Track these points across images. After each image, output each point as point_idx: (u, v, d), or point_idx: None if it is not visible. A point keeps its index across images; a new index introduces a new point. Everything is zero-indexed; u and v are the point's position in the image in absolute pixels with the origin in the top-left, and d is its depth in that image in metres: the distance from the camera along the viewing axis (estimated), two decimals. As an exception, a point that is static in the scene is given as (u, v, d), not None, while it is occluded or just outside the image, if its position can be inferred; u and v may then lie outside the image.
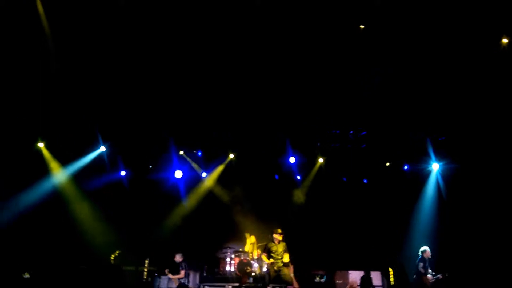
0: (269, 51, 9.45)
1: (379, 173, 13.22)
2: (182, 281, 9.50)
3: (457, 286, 9.39)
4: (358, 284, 10.93)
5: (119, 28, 8.80)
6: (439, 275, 9.12)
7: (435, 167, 12.09)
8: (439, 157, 11.91)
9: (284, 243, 8.42)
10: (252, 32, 9.02)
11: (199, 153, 13.12)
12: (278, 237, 8.39)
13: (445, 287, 9.13)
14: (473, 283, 9.71)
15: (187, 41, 9.30)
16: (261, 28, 8.94)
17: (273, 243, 8.41)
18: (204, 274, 10.73)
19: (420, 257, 9.30)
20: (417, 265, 9.27)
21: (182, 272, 9.48)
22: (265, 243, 11.37)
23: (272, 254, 8.34)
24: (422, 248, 9.37)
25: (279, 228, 8.60)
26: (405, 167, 12.87)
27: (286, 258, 8.22)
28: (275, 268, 8.25)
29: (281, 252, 8.27)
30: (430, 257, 9.28)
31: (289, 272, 8.37)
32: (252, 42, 9.23)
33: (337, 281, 11.15)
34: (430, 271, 9.27)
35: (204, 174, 13.47)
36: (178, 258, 9.66)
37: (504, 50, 8.85)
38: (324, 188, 13.44)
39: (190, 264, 10.02)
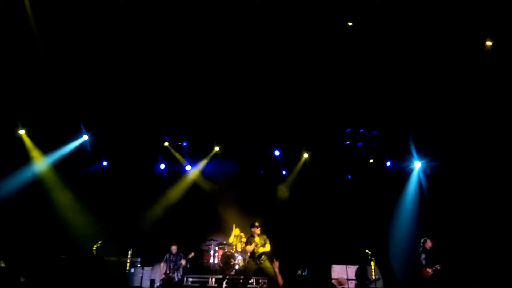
0: (263, 48, 9.54)
1: (363, 169, 13.39)
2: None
3: (454, 277, 9.15)
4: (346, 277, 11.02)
5: (108, 17, 8.74)
6: (436, 266, 8.84)
7: (417, 165, 12.32)
8: (422, 155, 12.14)
9: (264, 236, 8.48)
10: (252, 29, 9.11)
11: (184, 144, 13.01)
12: (256, 230, 8.44)
13: (444, 278, 8.86)
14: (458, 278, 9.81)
15: (175, 32, 9.28)
16: (260, 25, 9.05)
17: (252, 237, 8.45)
18: (188, 266, 10.66)
19: (421, 248, 9.12)
20: (419, 256, 9.05)
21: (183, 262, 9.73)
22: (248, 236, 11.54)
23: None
24: (422, 239, 9.20)
25: (257, 221, 8.64)
26: (388, 164, 13.05)
27: (267, 247, 8.28)
28: (256, 261, 8.28)
29: (260, 244, 8.32)
30: (431, 247, 9.07)
31: (271, 266, 8.39)
32: (251, 38, 9.33)
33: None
34: None
35: (188, 167, 13.40)
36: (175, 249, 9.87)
37: (488, 51, 9.11)
38: (309, 183, 13.53)
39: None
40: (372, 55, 9.62)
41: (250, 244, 8.32)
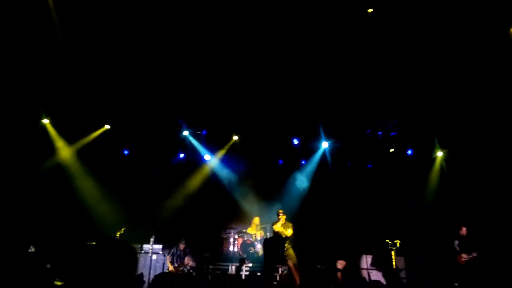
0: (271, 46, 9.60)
1: (383, 159, 13.23)
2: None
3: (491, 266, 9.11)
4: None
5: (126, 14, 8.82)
6: (473, 254, 8.87)
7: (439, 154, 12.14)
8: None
9: (289, 223, 8.58)
10: (255, 29, 9.21)
11: (204, 132, 13.06)
12: (279, 217, 8.56)
13: (479, 266, 8.91)
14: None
15: (194, 28, 9.31)
16: (262, 26, 9.10)
17: (275, 223, 8.59)
18: (207, 255, 10.73)
19: (455, 234, 9.16)
20: (452, 242, 9.10)
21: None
22: (267, 224, 11.63)
23: (275, 234, 8.71)
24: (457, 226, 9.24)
25: (281, 209, 8.91)
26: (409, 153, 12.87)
27: (289, 232, 8.37)
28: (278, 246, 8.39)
29: (282, 231, 8.41)
30: (465, 234, 9.08)
31: (294, 254, 8.47)
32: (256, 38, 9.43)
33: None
34: None
35: (207, 157, 13.48)
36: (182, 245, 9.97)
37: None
38: (329, 173, 13.45)
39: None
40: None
41: (276, 224, 8.53)
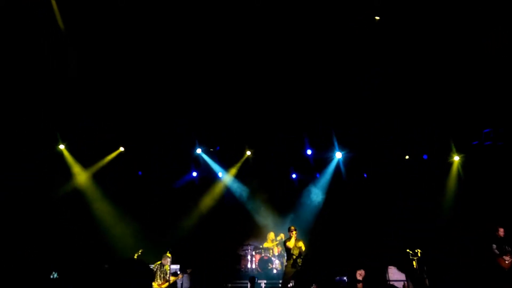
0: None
1: (399, 166, 13.04)
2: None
3: None
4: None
5: (132, 31, 8.99)
6: None
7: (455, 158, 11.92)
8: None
9: (300, 240, 8.62)
10: (257, 34, 9.20)
11: (217, 148, 13.09)
12: (291, 234, 8.58)
13: None
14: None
15: (202, 37, 9.41)
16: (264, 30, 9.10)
17: (288, 240, 8.52)
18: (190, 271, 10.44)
19: (490, 238, 8.69)
20: (489, 247, 8.61)
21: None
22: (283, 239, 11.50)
23: (287, 250, 8.62)
24: (492, 228, 8.76)
25: (292, 226, 8.78)
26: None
27: (302, 247, 8.42)
28: (291, 262, 8.34)
29: (294, 247, 8.43)
30: (502, 236, 8.59)
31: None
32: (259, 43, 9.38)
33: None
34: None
35: (221, 173, 13.52)
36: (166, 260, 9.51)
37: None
38: (343, 184, 13.32)
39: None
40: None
41: (287, 252, 8.39)
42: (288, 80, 10.35)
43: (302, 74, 10.22)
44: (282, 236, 11.81)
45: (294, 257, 8.40)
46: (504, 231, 8.67)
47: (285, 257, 11.17)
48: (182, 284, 10.08)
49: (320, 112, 11.43)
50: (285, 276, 8.65)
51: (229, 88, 10.63)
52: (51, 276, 8.53)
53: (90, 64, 9.69)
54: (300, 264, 8.33)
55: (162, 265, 9.46)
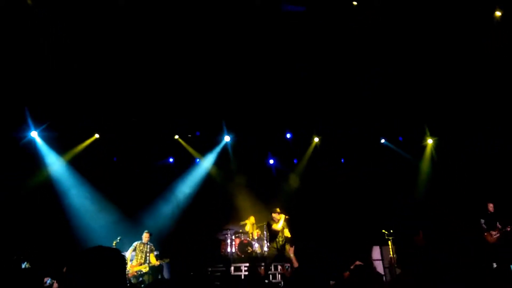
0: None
1: (374, 151, 13.30)
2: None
3: None
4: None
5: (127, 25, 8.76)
6: (507, 227, 8.38)
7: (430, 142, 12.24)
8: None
9: (284, 222, 8.52)
10: (253, 29, 9.16)
11: (197, 133, 12.97)
12: (276, 216, 8.47)
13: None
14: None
15: (187, 30, 9.25)
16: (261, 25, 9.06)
17: (273, 221, 8.50)
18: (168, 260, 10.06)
19: (481, 212, 8.79)
20: (477, 222, 8.69)
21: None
22: (264, 224, 11.58)
23: (273, 233, 8.50)
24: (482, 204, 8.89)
25: (278, 207, 8.68)
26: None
27: (287, 233, 8.36)
28: (277, 246, 8.37)
29: (281, 229, 8.37)
30: (492, 211, 8.69)
31: (289, 251, 8.50)
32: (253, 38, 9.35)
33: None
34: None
35: (199, 159, 13.45)
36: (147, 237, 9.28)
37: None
38: (320, 170, 13.48)
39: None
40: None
41: (271, 233, 8.41)
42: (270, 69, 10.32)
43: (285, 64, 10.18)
44: (252, 219, 11.88)
45: (281, 240, 8.35)
46: (494, 207, 8.80)
47: (265, 240, 11.37)
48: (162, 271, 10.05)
49: (301, 100, 11.46)
50: (267, 259, 8.73)
51: (211, 73, 10.49)
52: (23, 266, 8.32)
53: (64, 48, 9.37)
54: (288, 250, 8.30)
55: (142, 243, 9.25)
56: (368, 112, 12.00)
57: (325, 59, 10.11)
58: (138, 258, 9.07)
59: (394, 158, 12.90)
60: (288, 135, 13.14)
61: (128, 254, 9.09)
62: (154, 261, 9.15)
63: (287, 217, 8.51)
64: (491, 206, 8.79)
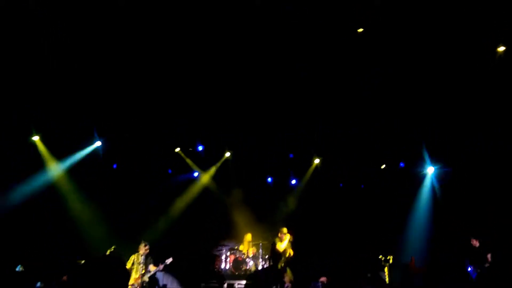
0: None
1: (374, 175, 13.32)
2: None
3: None
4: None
5: (117, 24, 8.82)
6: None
7: (430, 170, 12.26)
8: (434, 160, 12.08)
9: (288, 243, 8.48)
10: (252, 33, 9.12)
11: (202, 148, 12.94)
12: (283, 236, 8.46)
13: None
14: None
15: (186, 40, 9.35)
16: (260, 29, 9.04)
17: (278, 240, 8.46)
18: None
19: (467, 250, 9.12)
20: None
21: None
22: (260, 242, 11.52)
23: (275, 253, 8.47)
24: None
25: (285, 227, 8.67)
26: (401, 166, 12.96)
27: (291, 252, 8.37)
28: (279, 266, 8.33)
29: (283, 250, 8.35)
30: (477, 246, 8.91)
31: (291, 274, 8.44)
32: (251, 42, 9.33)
33: None
34: None
35: (197, 173, 13.45)
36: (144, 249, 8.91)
37: (500, 56, 9.05)
38: (320, 192, 13.49)
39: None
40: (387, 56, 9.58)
41: (274, 253, 8.33)
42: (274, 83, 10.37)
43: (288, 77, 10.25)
44: (249, 236, 11.80)
45: (282, 262, 8.28)
46: (479, 241, 8.90)
47: (260, 258, 11.27)
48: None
49: (303, 116, 11.52)
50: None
51: (215, 87, 10.55)
52: (17, 269, 8.23)
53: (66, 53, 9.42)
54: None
55: (139, 256, 8.81)
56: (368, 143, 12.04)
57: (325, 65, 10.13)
58: (138, 269, 8.69)
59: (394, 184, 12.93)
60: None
61: (127, 267, 8.77)
62: (153, 268, 8.84)
63: (291, 238, 8.43)
64: (475, 242, 8.87)
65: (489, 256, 8.67)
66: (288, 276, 8.25)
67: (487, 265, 8.64)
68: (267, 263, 10.31)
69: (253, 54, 9.65)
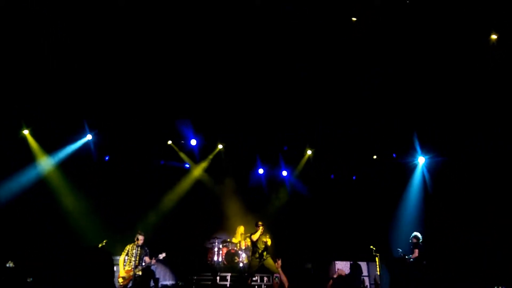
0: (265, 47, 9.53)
1: (365, 166, 13.38)
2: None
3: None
4: (347, 272, 11.03)
5: (111, 16, 8.74)
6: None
7: (421, 160, 12.31)
8: (425, 150, 12.13)
9: (267, 234, 8.85)
10: (253, 33, 9.17)
11: (194, 141, 12.91)
12: (257, 228, 8.82)
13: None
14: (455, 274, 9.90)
15: (178, 30, 9.28)
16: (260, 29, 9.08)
17: (254, 234, 8.80)
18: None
19: None
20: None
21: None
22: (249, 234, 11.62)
23: (252, 244, 8.84)
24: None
25: (260, 221, 9.01)
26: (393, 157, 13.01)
27: (268, 241, 8.70)
28: (257, 256, 8.61)
29: (259, 241, 8.69)
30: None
31: (273, 263, 8.63)
32: (252, 39, 9.35)
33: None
34: None
35: (189, 165, 13.45)
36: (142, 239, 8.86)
37: (493, 46, 9.05)
38: (312, 180, 13.55)
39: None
40: (374, 53, 9.60)
41: (255, 234, 8.69)
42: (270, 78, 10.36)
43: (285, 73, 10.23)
44: (241, 229, 11.89)
45: (260, 250, 8.65)
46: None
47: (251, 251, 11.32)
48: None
49: (295, 109, 11.51)
50: (250, 269, 8.78)
51: (209, 79, 10.50)
52: (7, 265, 8.19)
53: (61, 49, 9.35)
54: (265, 258, 8.62)
55: (135, 246, 8.78)
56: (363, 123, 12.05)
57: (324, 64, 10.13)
58: (131, 260, 8.62)
59: (385, 174, 13.00)
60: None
61: (121, 258, 8.75)
62: (147, 261, 8.78)
63: (262, 229, 8.80)
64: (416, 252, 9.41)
65: (416, 251, 9.45)
66: (271, 267, 8.57)
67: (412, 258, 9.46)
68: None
69: (253, 54, 9.74)
